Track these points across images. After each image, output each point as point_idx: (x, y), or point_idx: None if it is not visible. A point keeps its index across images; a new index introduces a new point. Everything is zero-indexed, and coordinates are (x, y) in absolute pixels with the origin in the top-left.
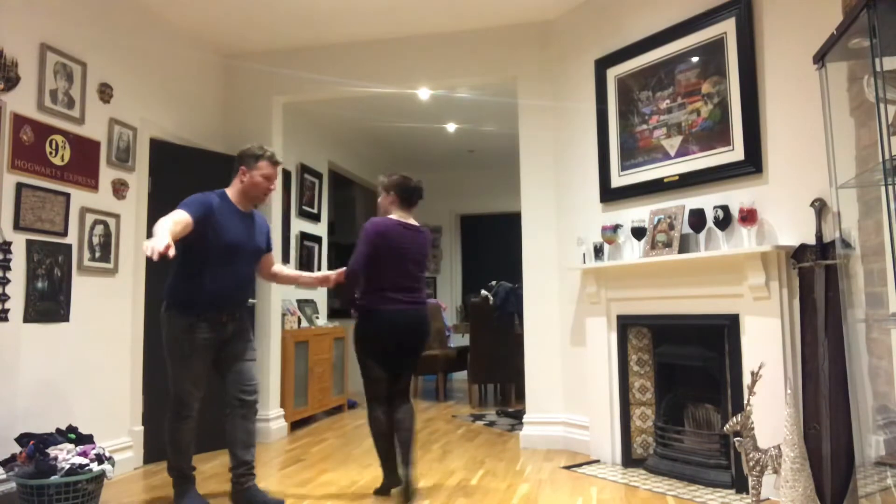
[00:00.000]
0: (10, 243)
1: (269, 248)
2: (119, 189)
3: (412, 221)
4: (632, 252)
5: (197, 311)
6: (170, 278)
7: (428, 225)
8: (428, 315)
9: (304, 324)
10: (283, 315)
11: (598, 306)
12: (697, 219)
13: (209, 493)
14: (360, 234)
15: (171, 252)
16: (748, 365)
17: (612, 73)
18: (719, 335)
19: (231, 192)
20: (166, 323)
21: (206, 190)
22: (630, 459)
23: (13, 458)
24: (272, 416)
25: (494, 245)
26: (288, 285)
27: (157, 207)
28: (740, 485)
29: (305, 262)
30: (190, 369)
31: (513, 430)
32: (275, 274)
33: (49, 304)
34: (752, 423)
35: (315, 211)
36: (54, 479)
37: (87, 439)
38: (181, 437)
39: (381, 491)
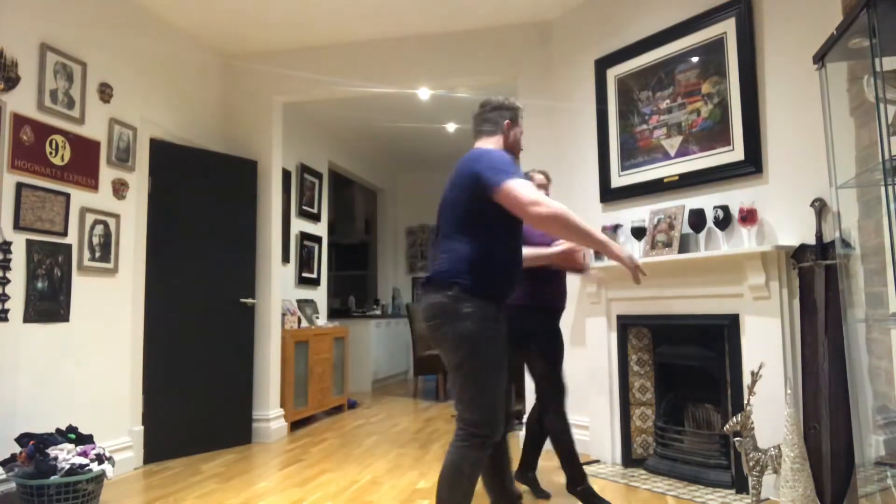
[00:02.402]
0: (10, 243)
1: None
2: (119, 189)
3: None
4: (632, 252)
5: (498, 297)
6: (462, 252)
7: (427, 224)
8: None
9: (304, 324)
10: (283, 315)
11: (598, 306)
12: (697, 219)
13: (205, 492)
14: None
15: None
16: (748, 365)
17: (612, 73)
18: (719, 335)
19: (495, 148)
20: (468, 313)
21: (208, 190)
22: (630, 459)
23: (13, 458)
24: (272, 416)
25: None
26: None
27: (157, 207)
28: (740, 485)
29: (305, 262)
30: (503, 375)
31: (512, 430)
32: None
33: (49, 304)
34: (752, 423)
35: (315, 211)
36: (54, 479)
37: (87, 439)
38: (480, 472)
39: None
